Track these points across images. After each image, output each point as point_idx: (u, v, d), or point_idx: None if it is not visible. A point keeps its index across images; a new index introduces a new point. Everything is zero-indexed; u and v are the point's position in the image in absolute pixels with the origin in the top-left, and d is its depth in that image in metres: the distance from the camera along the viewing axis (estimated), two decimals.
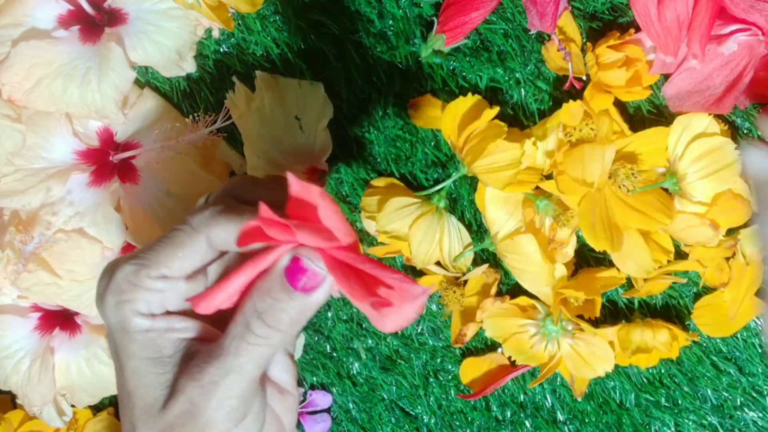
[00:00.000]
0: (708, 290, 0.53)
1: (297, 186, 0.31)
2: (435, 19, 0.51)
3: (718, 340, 0.55)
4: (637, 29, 0.50)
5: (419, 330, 0.58)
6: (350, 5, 0.53)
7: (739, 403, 0.56)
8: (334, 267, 0.31)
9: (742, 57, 0.47)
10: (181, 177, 0.53)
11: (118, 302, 0.34)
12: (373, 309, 0.30)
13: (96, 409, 0.60)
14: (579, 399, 0.57)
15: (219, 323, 0.35)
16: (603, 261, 0.53)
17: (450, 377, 0.58)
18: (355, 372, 0.59)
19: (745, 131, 0.52)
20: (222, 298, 0.33)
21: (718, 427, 0.57)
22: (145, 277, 0.34)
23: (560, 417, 0.58)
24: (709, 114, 0.49)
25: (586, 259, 0.54)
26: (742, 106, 0.50)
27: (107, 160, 0.53)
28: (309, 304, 0.33)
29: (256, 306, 0.33)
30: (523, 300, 0.54)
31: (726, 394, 0.56)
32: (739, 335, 0.54)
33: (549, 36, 0.50)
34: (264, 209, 0.31)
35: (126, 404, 0.35)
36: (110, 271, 0.34)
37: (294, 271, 0.32)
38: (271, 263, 0.33)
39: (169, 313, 0.35)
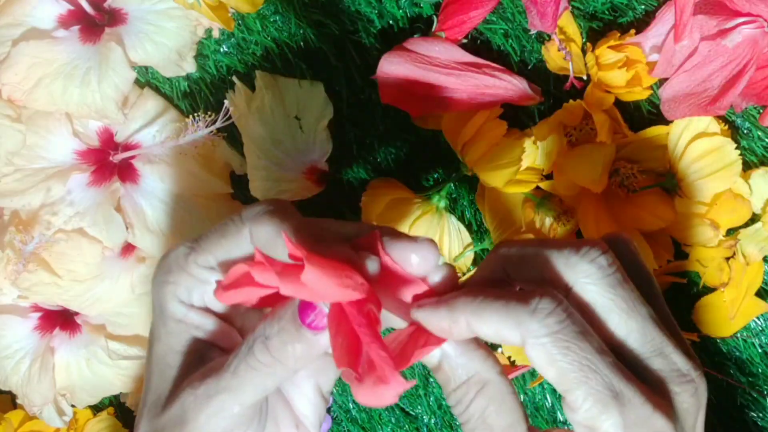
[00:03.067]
0: (708, 290, 0.53)
1: (290, 247, 0.29)
2: (435, 18, 0.51)
3: (718, 340, 0.55)
4: (638, 30, 0.50)
5: None
6: (350, 5, 0.53)
7: (739, 403, 0.56)
8: (335, 314, 0.30)
9: (745, 54, 0.47)
10: (181, 177, 0.53)
11: (163, 282, 0.33)
12: (348, 376, 0.29)
13: (96, 409, 0.60)
14: None
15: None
16: None
17: None
18: None
19: (745, 131, 0.52)
20: (242, 296, 0.32)
21: (718, 426, 0.56)
22: (193, 262, 0.33)
23: (560, 417, 0.58)
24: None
25: None
26: (739, 109, 0.50)
27: (107, 160, 0.53)
28: (315, 343, 0.31)
29: (265, 330, 0.31)
30: None
31: (726, 394, 0.56)
32: (739, 335, 0.54)
33: (549, 36, 0.50)
34: (259, 253, 0.29)
35: (145, 384, 0.34)
36: (170, 250, 0.34)
37: (305, 306, 0.31)
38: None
39: (207, 310, 0.34)
